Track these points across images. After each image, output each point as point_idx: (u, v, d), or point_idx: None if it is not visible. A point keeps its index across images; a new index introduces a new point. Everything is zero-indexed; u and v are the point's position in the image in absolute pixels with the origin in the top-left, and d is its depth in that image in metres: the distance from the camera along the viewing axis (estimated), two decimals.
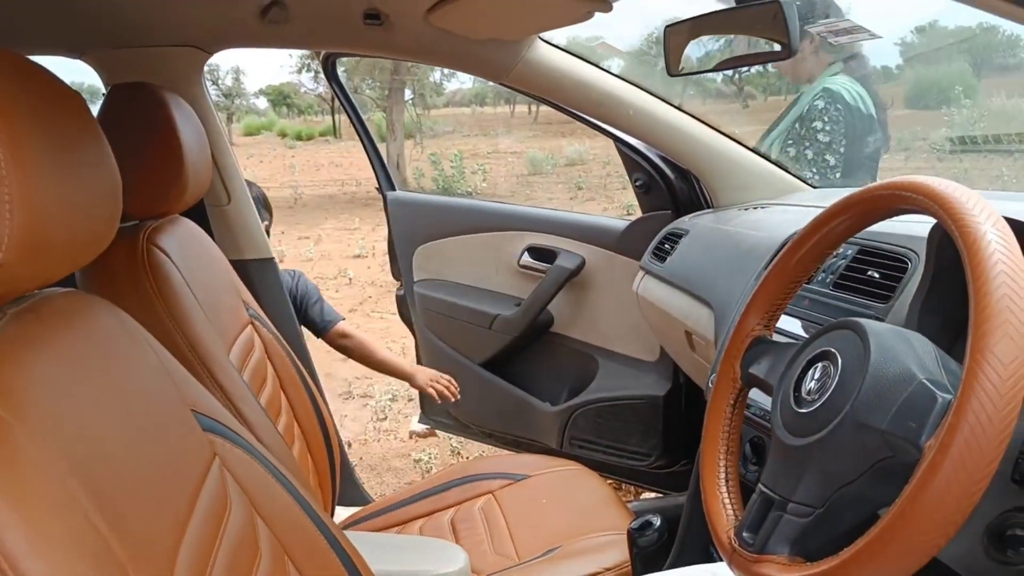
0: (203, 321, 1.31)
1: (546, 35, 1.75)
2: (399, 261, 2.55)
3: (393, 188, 2.54)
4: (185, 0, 1.52)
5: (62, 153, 0.73)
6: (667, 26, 1.44)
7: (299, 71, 17.36)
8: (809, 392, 0.87)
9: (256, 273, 1.85)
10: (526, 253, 2.40)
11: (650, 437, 2.23)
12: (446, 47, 1.69)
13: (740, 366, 1.05)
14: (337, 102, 2.55)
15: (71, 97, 0.80)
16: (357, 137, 2.53)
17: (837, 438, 0.80)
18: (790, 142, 2.42)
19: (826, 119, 2.33)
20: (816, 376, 0.87)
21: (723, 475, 1.02)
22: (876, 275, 1.21)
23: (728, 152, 1.95)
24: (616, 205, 11.24)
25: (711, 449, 1.04)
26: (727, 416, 1.05)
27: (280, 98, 27.96)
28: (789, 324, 1.28)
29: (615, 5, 1.39)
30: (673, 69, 1.48)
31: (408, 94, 15.38)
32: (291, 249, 8.80)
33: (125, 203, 1.35)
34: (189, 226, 1.49)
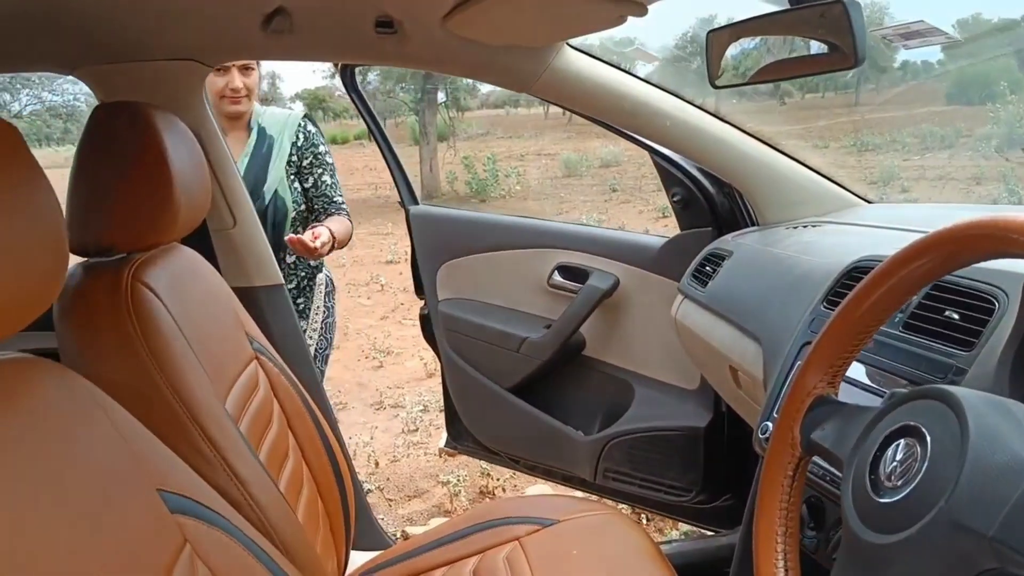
0: (193, 366, 1.18)
1: (574, 40, 1.61)
2: (423, 278, 2.42)
3: (416, 202, 2.41)
4: (182, 11, 1.39)
5: None
6: (710, 32, 1.29)
7: (332, 76, 17.36)
8: (890, 476, 0.71)
9: (265, 301, 1.73)
10: (556, 272, 2.26)
11: (690, 471, 2.08)
12: (466, 56, 1.56)
13: (800, 430, 0.90)
14: (372, 106, 2.42)
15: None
16: (393, 142, 2.42)
17: (928, 540, 0.65)
18: None
19: None
20: (898, 457, 0.72)
21: (782, 562, 0.87)
22: (956, 316, 1.04)
23: (773, 164, 1.79)
24: (651, 207, 11.05)
25: (767, 530, 0.89)
26: (785, 490, 0.90)
27: (316, 102, 28.09)
28: (851, 369, 1.13)
29: (650, 8, 1.25)
30: (716, 79, 1.33)
31: (441, 97, 15.29)
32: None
33: (109, 235, 1.23)
34: (185, 256, 1.37)
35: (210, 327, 1.34)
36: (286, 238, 2.05)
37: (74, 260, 1.28)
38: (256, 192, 2.19)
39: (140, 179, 1.18)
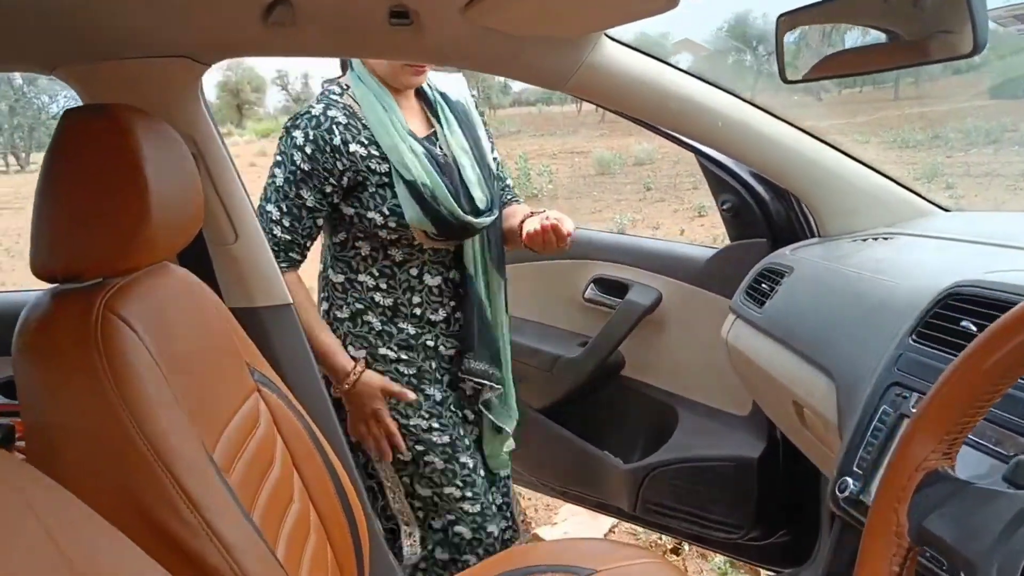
0: (172, 410, 1.02)
1: (613, 32, 1.42)
2: None
3: None
4: (173, 2, 1.23)
5: None
6: (781, 16, 1.10)
7: None
8: None
9: (271, 323, 1.56)
10: (592, 285, 2.08)
11: (741, 506, 1.88)
12: (490, 50, 1.38)
13: (908, 515, 0.71)
14: None
15: None
16: None
17: None
18: None
19: None
20: None
21: None
22: None
23: (835, 167, 1.60)
24: (687, 206, 10.78)
25: None
26: None
27: None
28: None
29: None
30: (787, 73, 1.14)
31: (473, 94, 15.09)
32: None
33: (77, 259, 1.07)
34: (175, 278, 1.21)
35: (201, 360, 1.18)
36: (526, 230, 1.67)
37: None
38: (490, 184, 1.74)
39: (112, 193, 1.02)
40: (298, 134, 1.61)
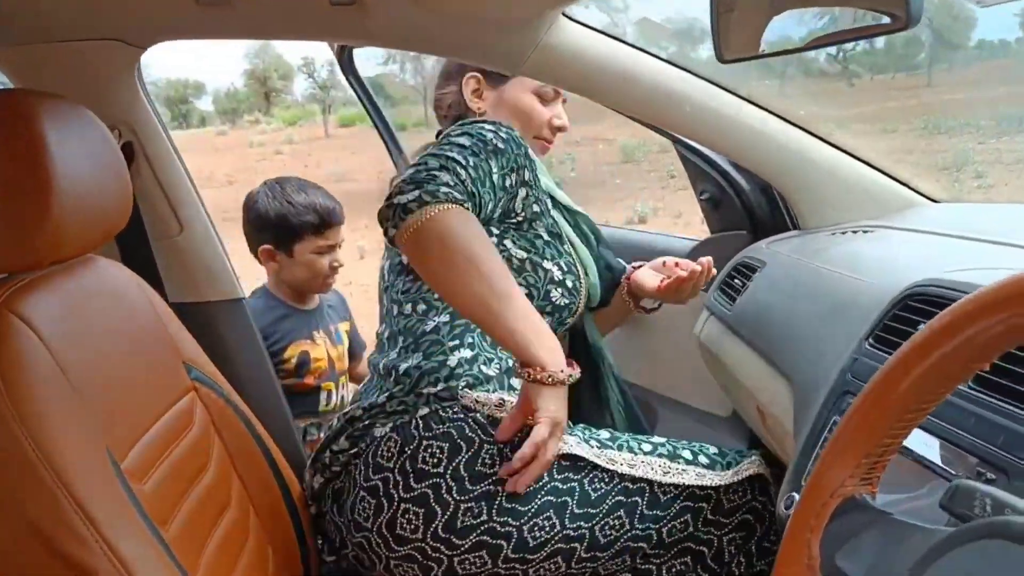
0: (75, 418, 0.95)
1: (571, 11, 1.34)
2: None
3: None
4: None
5: None
6: None
7: (385, 62, 17.26)
8: None
9: (219, 318, 1.50)
10: None
11: None
12: (440, 33, 1.30)
13: (821, 546, 0.63)
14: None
15: None
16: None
17: None
18: None
19: None
20: None
21: None
22: None
23: (815, 157, 1.51)
24: None
25: None
26: None
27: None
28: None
29: None
30: (724, 52, 1.05)
31: None
32: (375, 245, 8.54)
33: None
34: (98, 272, 1.15)
35: (120, 361, 1.12)
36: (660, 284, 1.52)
37: None
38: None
39: (11, 182, 0.96)
40: (487, 126, 1.28)
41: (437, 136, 1.43)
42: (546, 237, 1.36)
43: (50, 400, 0.94)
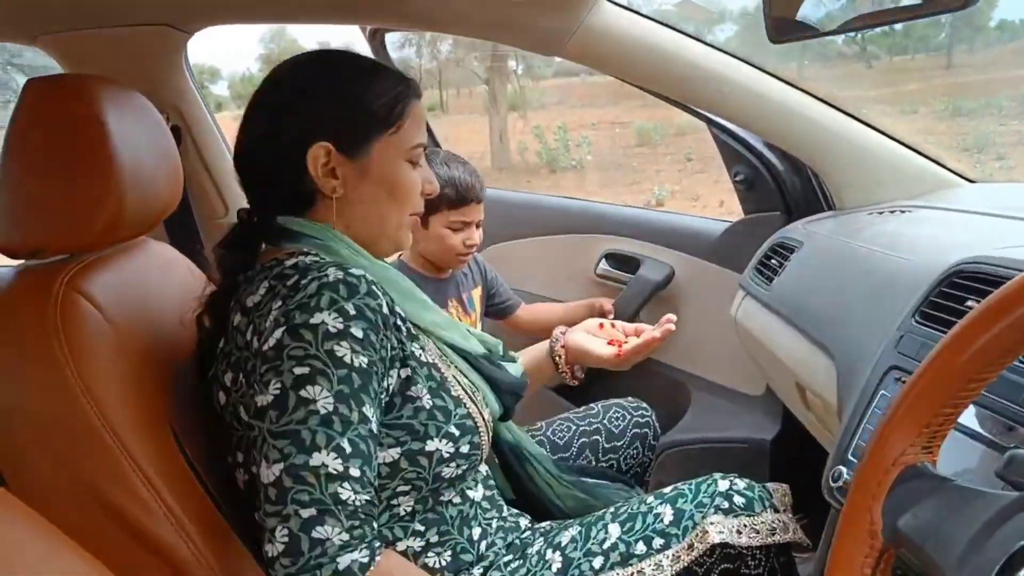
0: (139, 393, 0.99)
1: None
2: None
3: None
4: None
5: None
6: None
7: (402, 46, 17.17)
8: None
9: None
10: (604, 260, 2.02)
11: None
12: (479, 13, 1.32)
13: (883, 513, 0.65)
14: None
15: None
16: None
17: None
18: None
19: None
20: None
21: None
22: None
23: (853, 136, 1.51)
24: (727, 177, 10.58)
25: None
26: None
27: None
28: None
29: None
30: (776, 32, 1.06)
31: (513, 65, 14.93)
32: None
33: (37, 234, 1.05)
34: (151, 253, 1.18)
35: (177, 335, 1.15)
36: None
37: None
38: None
39: (75, 166, 0.98)
40: (329, 321, 0.92)
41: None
42: (426, 403, 1.03)
43: (116, 378, 0.97)
